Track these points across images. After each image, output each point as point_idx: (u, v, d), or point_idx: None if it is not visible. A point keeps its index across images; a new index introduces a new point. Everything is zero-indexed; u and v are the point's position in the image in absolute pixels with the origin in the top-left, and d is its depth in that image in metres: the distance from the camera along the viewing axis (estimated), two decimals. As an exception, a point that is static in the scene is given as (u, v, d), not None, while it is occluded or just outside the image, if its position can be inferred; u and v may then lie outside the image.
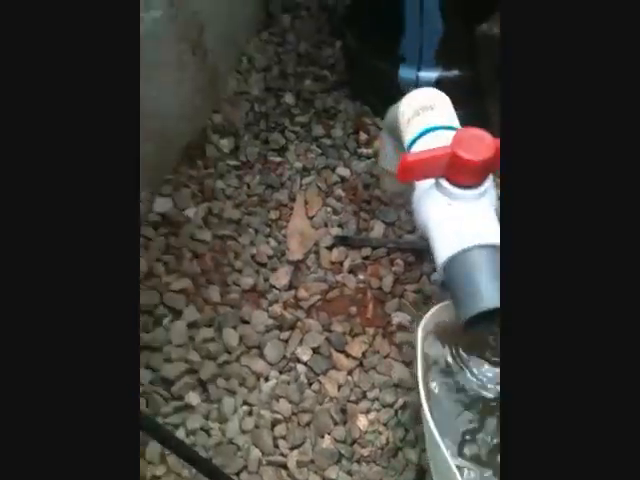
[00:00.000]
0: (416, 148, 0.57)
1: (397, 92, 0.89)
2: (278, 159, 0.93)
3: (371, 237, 0.81)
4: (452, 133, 0.56)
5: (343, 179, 0.90)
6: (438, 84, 0.85)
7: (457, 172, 0.48)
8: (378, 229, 0.81)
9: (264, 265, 0.80)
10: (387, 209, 0.83)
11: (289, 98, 1.01)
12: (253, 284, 0.77)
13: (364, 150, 0.92)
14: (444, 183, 0.50)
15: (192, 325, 0.73)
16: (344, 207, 0.86)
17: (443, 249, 0.48)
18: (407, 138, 0.59)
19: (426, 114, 0.58)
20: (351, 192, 0.88)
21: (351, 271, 0.79)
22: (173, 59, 0.83)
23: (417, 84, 0.86)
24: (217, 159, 0.92)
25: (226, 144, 0.93)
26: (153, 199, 0.84)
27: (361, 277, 0.78)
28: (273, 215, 0.86)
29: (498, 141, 0.47)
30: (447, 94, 0.85)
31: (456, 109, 0.87)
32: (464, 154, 0.46)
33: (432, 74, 0.85)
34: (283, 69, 1.04)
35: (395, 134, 0.70)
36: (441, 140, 0.54)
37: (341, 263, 0.80)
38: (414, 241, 0.79)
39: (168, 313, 0.74)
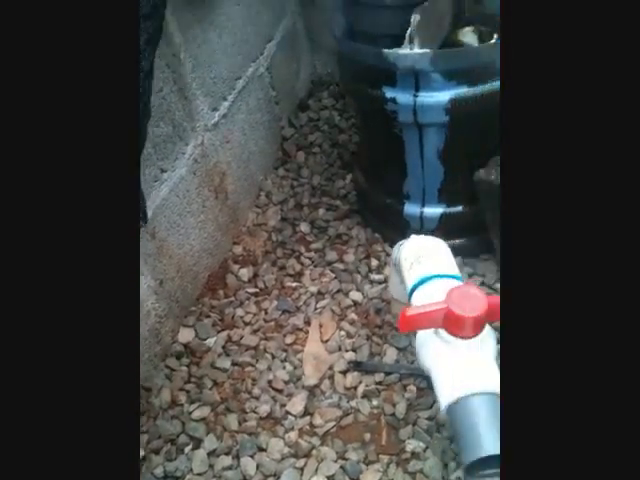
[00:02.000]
0: (416, 296, 0.63)
1: (404, 224, 0.98)
2: (294, 284, 1.00)
3: (384, 362, 0.85)
4: (449, 281, 0.62)
5: (356, 303, 0.95)
6: (442, 219, 0.94)
7: (453, 325, 0.53)
8: (391, 354, 0.86)
9: (280, 391, 0.84)
10: (398, 335, 0.88)
11: (304, 227, 1.10)
12: (269, 411, 0.81)
13: (375, 276, 0.98)
14: (443, 333, 0.55)
15: (212, 453, 0.76)
16: (357, 331, 0.91)
17: (444, 395, 0.53)
18: (408, 285, 0.65)
19: (424, 263, 0.65)
20: (364, 316, 0.93)
21: (365, 396, 0.82)
22: (198, 206, 0.93)
23: (422, 219, 0.95)
24: (237, 288, 0.99)
25: (245, 273, 1.01)
26: (177, 330, 0.91)
27: (375, 403, 0.81)
28: (289, 339, 0.91)
29: (491, 297, 0.54)
30: (452, 227, 0.94)
31: (462, 239, 0.95)
32: (458, 311, 0.52)
33: (436, 210, 0.93)
34: (298, 201, 1.15)
35: (399, 272, 0.77)
36: (438, 288, 0.61)
37: (355, 388, 0.83)
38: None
39: (189, 441, 0.78)
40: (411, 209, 0.95)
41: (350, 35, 0.84)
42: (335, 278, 1.00)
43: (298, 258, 1.05)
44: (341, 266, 1.02)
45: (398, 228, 1.00)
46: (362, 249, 1.04)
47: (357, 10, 0.80)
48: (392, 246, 1.02)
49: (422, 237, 0.73)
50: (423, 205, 0.94)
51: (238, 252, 1.05)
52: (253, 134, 1.11)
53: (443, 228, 0.95)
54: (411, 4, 0.75)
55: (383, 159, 0.95)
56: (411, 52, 0.74)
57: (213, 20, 0.95)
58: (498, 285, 0.92)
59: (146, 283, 0.82)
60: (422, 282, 0.64)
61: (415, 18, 0.73)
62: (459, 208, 0.93)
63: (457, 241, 0.97)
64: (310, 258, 1.05)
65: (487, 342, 0.55)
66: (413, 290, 0.65)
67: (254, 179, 1.13)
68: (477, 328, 0.54)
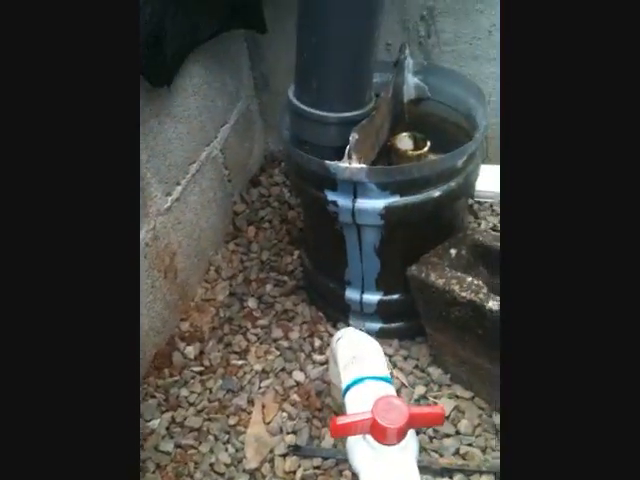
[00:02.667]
0: (349, 394, 0.69)
1: (346, 307, 1.05)
2: (240, 362, 1.04)
3: (322, 447, 0.89)
4: (379, 383, 0.69)
5: (298, 383, 1.00)
6: (380, 304, 1.01)
7: (379, 434, 0.60)
8: (329, 438, 0.90)
9: (222, 474, 0.87)
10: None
11: (252, 302, 1.14)
12: (211, 497, 0.84)
13: (317, 356, 1.04)
14: (370, 439, 0.61)
15: None
16: (298, 413, 0.95)
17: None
18: (343, 383, 0.71)
19: (357, 364, 0.71)
20: (305, 397, 0.98)
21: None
22: (147, 287, 0.97)
23: (362, 304, 1.02)
24: (182, 366, 1.02)
25: (191, 350, 1.05)
26: (122, 411, 0.92)
27: (311, 489, 0.85)
28: (232, 421, 0.94)
29: (412, 407, 0.60)
30: (389, 311, 1.02)
31: (398, 322, 1.03)
32: (382, 422, 0.59)
33: (374, 297, 1.00)
34: (247, 276, 1.20)
35: (336, 364, 0.83)
36: (370, 390, 0.68)
37: (294, 472, 0.87)
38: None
39: (128, 532, 0.79)
40: (352, 294, 1.02)
41: (295, 140, 0.92)
42: (280, 356, 1.05)
43: (245, 334, 1.09)
44: (286, 344, 1.07)
45: (340, 310, 1.07)
46: (306, 327, 1.10)
47: (301, 122, 0.88)
48: (335, 326, 1.09)
49: (356, 336, 0.80)
50: (362, 292, 1.01)
51: (185, 328, 1.09)
52: (205, 212, 1.17)
53: (381, 312, 1.03)
54: (350, 121, 0.84)
55: (327, 249, 1.02)
56: (349, 166, 0.82)
57: (170, 112, 1.01)
58: (430, 369, 0.99)
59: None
60: (355, 382, 0.70)
61: (353, 137, 0.82)
62: (395, 296, 1.00)
63: (393, 325, 1.05)
64: (256, 334, 1.09)
65: (409, 447, 0.62)
66: (347, 389, 0.71)
67: (204, 254, 1.18)
68: (400, 436, 0.60)
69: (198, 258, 1.15)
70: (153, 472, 0.85)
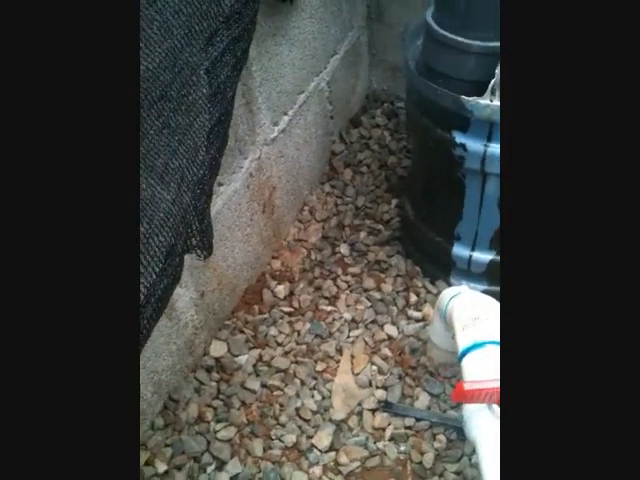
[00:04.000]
0: (468, 359, 0.62)
1: (450, 264, 0.97)
2: (329, 308, 0.99)
3: (415, 407, 0.84)
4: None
5: (390, 337, 0.94)
6: (490, 265, 0.92)
7: (511, 405, 0.52)
8: (423, 399, 0.84)
9: (307, 421, 0.83)
10: (433, 380, 0.87)
11: (344, 248, 1.09)
12: (295, 441, 0.80)
13: (413, 312, 0.97)
14: (496, 410, 0.54)
15: (234, 478, 0.76)
16: (390, 368, 0.90)
17: (493, 471, 0.52)
18: (460, 346, 0.64)
19: (479, 326, 0.64)
20: (397, 353, 0.92)
21: (392, 439, 0.81)
22: (246, 219, 0.93)
23: (470, 262, 0.93)
24: (272, 304, 0.98)
25: (282, 290, 1.01)
26: (210, 342, 0.90)
27: (402, 448, 0.80)
28: (320, 367, 0.90)
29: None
30: (498, 274, 0.93)
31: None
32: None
33: (486, 256, 0.91)
34: (341, 220, 1.13)
35: (446, 322, 0.76)
36: (492, 356, 0.60)
37: (383, 429, 0.82)
38: (458, 418, 0.81)
39: (213, 461, 0.78)
40: (460, 251, 0.94)
41: (425, 71, 0.82)
42: (370, 307, 0.99)
43: (335, 280, 1.04)
44: (378, 295, 1.01)
45: (443, 266, 0.99)
46: (401, 280, 1.03)
47: (438, 50, 0.77)
48: (433, 282, 1.01)
49: (477, 295, 0.72)
50: (473, 249, 0.92)
51: (276, 267, 1.05)
52: (306, 148, 1.10)
53: (490, 273, 0.94)
54: (496, 53, 0.73)
55: (439, 198, 0.93)
56: (491, 103, 0.72)
57: (286, 33, 0.93)
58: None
59: (188, 295, 0.81)
60: (475, 347, 0.63)
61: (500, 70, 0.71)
62: (509, 257, 0.91)
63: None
64: (347, 282, 1.04)
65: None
66: (465, 352, 0.63)
67: (300, 193, 1.12)
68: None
69: (294, 196, 1.09)
70: (238, 409, 0.83)
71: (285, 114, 0.99)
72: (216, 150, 0.61)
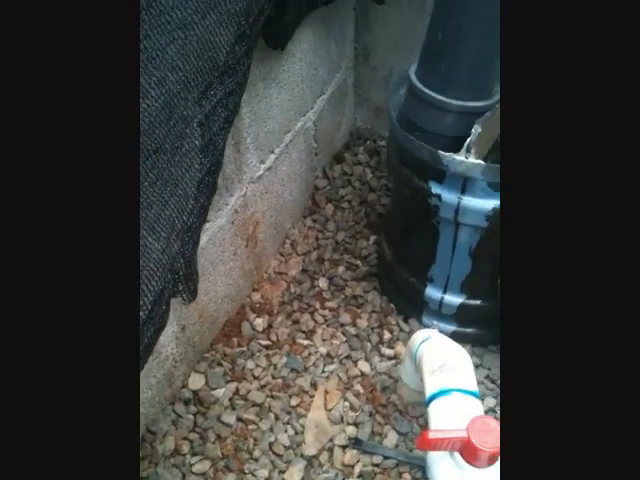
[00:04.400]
0: (434, 405, 0.65)
1: (422, 303, 1.01)
2: (306, 342, 1.02)
3: (384, 446, 0.87)
4: (469, 398, 0.65)
5: (363, 374, 0.97)
6: (460, 307, 0.96)
7: (470, 454, 0.56)
8: (391, 437, 0.88)
9: (280, 456, 0.85)
10: (402, 419, 0.90)
11: (323, 282, 1.12)
12: (267, 476, 0.82)
13: (386, 350, 1.00)
14: (458, 458, 0.57)
15: (206, 514, 0.78)
16: (361, 405, 0.93)
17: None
18: (428, 391, 0.68)
19: (445, 373, 0.67)
20: (369, 390, 0.95)
21: (360, 476, 0.84)
22: (229, 254, 0.95)
23: (441, 304, 0.97)
24: (250, 337, 1.01)
25: (260, 323, 1.03)
26: (189, 374, 0.92)
27: (369, 486, 0.83)
28: (294, 401, 0.93)
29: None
30: (468, 316, 0.97)
31: (474, 328, 0.98)
32: (478, 443, 0.55)
33: (457, 299, 0.96)
34: (321, 254, 1.17)
35: (416, 364, 0.80)
36: (457, 403, 0.64)
37: (352, 466, 0.85)
38: (424, 458, 0.84)
39: (187, 495, 0.79)
40: (433, 292, 0.98)
41: (405, 123, 0.87)
42: (346, 342, 1.02)
43: (312, 314, 1.07)
44: (353, 330, 1.04)
45: (416, 306, 1.03)
46: (376, 317, 1.07)
47: (419, 106, 0.82)
48: (406, 320, 1.05)
49: (447, 341, 0.76)
50: (445, 291, 0.97)
51: (256, 299, 1.07)
52: (290, 184, 1.14)
53: (460, 315, 0.98)
54: (473, 112, 0.78)
55: (414, 241, 0.97)
56: (465, 160, 0.76)
57: (276, 76, 0.97)
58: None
59: (170, 329, 0.83)
60: (442, 393, 0.66)
61: (476, 130, 0.76)
62: (478, 301, 0.95)
63: (468, 329, 1.00)
64: (324, 316, 1.07)
65: (498, 473, 0.58)
66: (432, 398, 0.67)
67: (283, 227, 1.16)
68: (492, 460, 0.56)
69: (277, 230, 1.13)
70: (213, 442, 0.85)
71: (272, 152, 1.03)
72: (205, 199, 0.64)
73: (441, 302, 0.97)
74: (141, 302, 0.51)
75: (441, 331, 0.94)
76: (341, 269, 1.14)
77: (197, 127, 0.64)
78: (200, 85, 0.65)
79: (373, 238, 1.20)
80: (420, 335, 0.81)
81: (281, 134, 1.05)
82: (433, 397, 0.67)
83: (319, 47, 1.10)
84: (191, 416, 0.87)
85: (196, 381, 0.91)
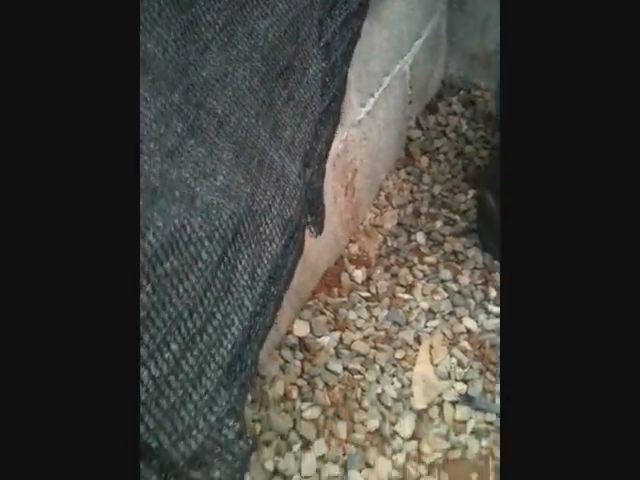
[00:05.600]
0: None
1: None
2: (406, 296, 0.98)
3: (497, 404, 0.82)
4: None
5: (469, 331, 0.92)
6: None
7: None
8: (505, 395, 0.82)
9: (389, 408, 0.82)
10: (516, 375, 0.84)
11: (420, 237, 1.07)
12: (378, 427, 0.80)
13: (493, 307, 0.94)
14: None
15: (320, 458, 0.76)
16: (469, 362, 0.88)
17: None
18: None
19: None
20: (477, 347, 0.90)
21: (474, 433, 0.80)
22: (330, 200, 0.91)
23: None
24: (350, 289, 0.97)
25: (359, 275, 0.99)
26: (293, 322, 0.90)
27: (484, 443, 0.78)
28: (399, 354, 0.89)
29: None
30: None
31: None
32: None
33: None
34: (417, 208, 1.11)
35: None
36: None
37: (464, 422, 0.81)
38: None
39: (299, 440, 0.78)
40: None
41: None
42: (448, 298, 0.97)
43: (411, 269, 1.02)
44: (454, 287, 0.99)
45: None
46: (479, 273, 1.01)
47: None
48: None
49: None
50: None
51: (354, 251, 1.04)
52: (386, 132, 1.08)
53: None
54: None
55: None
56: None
57: (379, 13, 0.91)
58: None
59: (277, 274, 0.81)
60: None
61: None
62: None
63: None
64: (423, 271, 1.02)
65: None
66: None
67: (378, 178, 1.11)
68: None
69: (372, 180, 1.08)
70: (321, 390, 0.83)
71: (371, 96, 0.97)
72: (332, 126, 0.60)
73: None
74: (284, 225, 0.47)
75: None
76: (439, 224, 1.09)
77: (323, 47, 0.59)
78: (326, 2, 0.60)
79: (472, 192, 1.13)
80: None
81: (380, 76, 0.99)
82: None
83: (419, -16, 1.03)
84: (298, 362, 0.85)
85: (301, 328, 0.89)
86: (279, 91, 0.53)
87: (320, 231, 0.60)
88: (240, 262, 0.40)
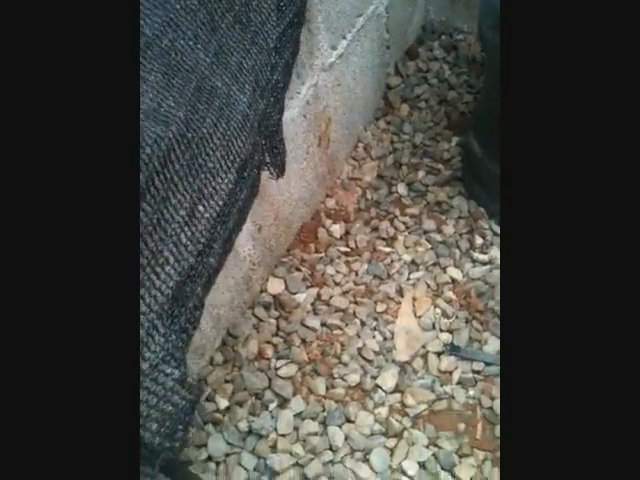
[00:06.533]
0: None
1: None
2: (387, 249, 0.94)
3: (485, 352, 0.79)
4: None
5: (454, 280, 0.88)
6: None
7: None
8: (493, 344, 0.79)
9: (370, 362, 0.79)
10: (501, 323, 0.81)
11: (401, 188, 1.02)
12: (359, 381, 0.77)
13: (479, 255, 0.91)
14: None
15: (297, 415, 0.73)
16: (455, 312, 0.84)
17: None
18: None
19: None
20: (462, 297, 0.86)
21: (460, 383, 0.77)
22: (302, 152, 0.86)
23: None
24: (328, 244, 0.93)
25: (337, 229, 0.95)
26: (267, 279, 0.86)
27: (471, 392, 0.76)
28: (380, 307, 0.86)
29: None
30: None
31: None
32: None
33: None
34: (397, 159, 1.06)
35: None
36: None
37: (450, 373, 0.78)
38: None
39: (275, 398, 0.75)
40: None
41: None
42: (431, 249, 0.93)
43: (392, 221, 0.98)
44: (438, 237, 0.95)
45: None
46: (464, 222, 0.96)
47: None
48: (499, 223, 0.95)
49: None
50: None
51: (330, 205, 0.99)
52: (362, 79, 1.02)
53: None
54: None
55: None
56: None
57: (347, -56, 0.84)
58: None
59: (245, 228, 0.76)
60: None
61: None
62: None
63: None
64: (405, 223, 0.98)
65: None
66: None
67: (355, 128, 1.05)
68: None
69: (349, 131, 1.02)
70: (298, 346, 0.79)
71: (343, 37, 0.91)
72: (289, 55, 0.55)
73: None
74: (232, 159, 0.43)
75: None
76: (421, 174, 1.04)
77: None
78: None
79: (456, 140, 1.07)
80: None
81: (353, 17, 0.93)
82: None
83: None
84: (273, 320, 0.82)
85: (275, 285, 0.85)
86: (222, 13, 0.47)
87: (282, 172, 0.55)
88: (174, 194, 0.35)
